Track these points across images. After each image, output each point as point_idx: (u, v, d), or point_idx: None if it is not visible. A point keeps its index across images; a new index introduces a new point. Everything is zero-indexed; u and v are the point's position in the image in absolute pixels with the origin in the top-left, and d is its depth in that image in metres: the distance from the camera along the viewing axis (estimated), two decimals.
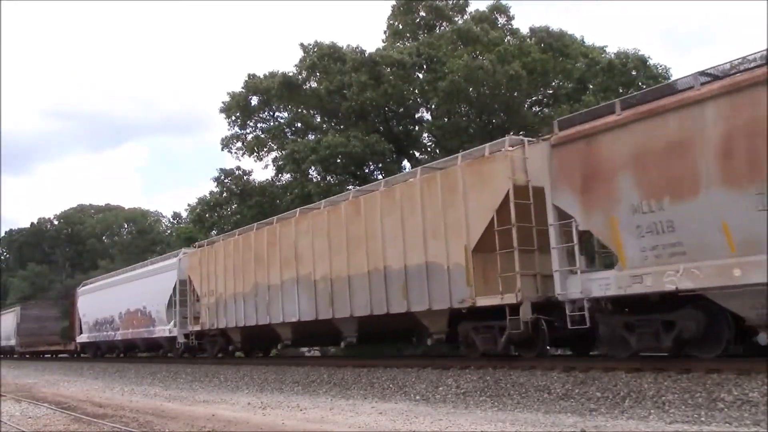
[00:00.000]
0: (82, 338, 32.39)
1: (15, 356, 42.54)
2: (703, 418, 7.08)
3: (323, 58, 27.11)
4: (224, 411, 10.56)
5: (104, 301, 29.27)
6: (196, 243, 22.57)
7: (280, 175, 29.51)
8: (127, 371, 21.90)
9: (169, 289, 22.65)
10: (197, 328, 20.74)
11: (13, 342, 42.23)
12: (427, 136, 30.14)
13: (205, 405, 11.70)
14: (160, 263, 24.88)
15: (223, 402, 11.99)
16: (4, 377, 23.28)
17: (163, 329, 23.10)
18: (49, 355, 41.24)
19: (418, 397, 10.57)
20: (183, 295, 21.72)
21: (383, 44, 30.44)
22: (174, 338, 22.30)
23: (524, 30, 29.19)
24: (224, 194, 30.19)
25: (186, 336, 21.44)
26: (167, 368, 20.54)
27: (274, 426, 8.72)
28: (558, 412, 8.26)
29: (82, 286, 34.04)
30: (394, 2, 30.56)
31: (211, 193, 30.69)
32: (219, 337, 20.12)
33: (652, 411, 7.65)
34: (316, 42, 27.97)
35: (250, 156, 30.24)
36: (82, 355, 34.81)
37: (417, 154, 29.50)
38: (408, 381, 11.61)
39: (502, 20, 29.62)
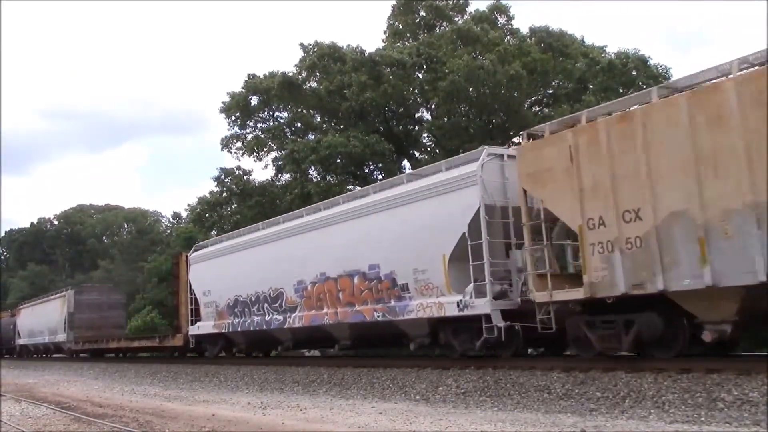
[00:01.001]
0: (203, 328, 20.40)
1: (63, 355, 33.93)
2: (703, 418, 7.08)
3: (323, 58, 27.19)
4: (224, 411, 10.56)
5: (255, 267, 17.99)
6: (542, 126, 10.97)
7: (280, 175, 29.63)
8: (127, 371, 21.89)
9: (454, 226, 11.86)
10: (571, 295, 10.11)
11: (61, 337, 32.48)
12: (427, 136, 30.23)
13: (205, 405, 11.70)
14: (423, 180, 13.16)
15: (223, 402, 11.99)
16: (4, 377, 23.28)
17: (438, 304, 12.20)
18: (113, 355, 30.57)
19: (418, 397, 10.57)
20: (494, 233, 11.46)
21: (383, 44, 30.53)
22: (470, 319, 11.63)
23: (524, 30, 29.37)
24: (224, 194, 30.26)
25: (517, 314, 11.15)
26: (167, 368, 20.52)
27: (274, 426, 8.71)
28: (558, 412, 8.26)
29: (195, 250, 21.78)
30: (394, 2, 30.66)
31: (211, 192, 30.81)
32: (651, 315, 9.36)
33: (652, 411, 7.65)
34: (316, 42, 28.09)
35: (250, 156, 30.39)
36: (188, 354, 24.01)
37: (417, 154, 29.59)
38: (408, 381, 11.60)
39: (502, 20, 29.74)
